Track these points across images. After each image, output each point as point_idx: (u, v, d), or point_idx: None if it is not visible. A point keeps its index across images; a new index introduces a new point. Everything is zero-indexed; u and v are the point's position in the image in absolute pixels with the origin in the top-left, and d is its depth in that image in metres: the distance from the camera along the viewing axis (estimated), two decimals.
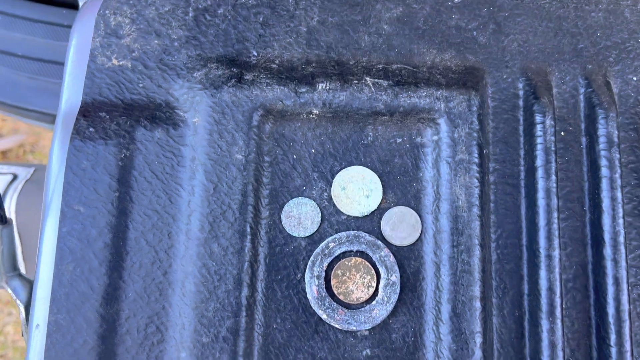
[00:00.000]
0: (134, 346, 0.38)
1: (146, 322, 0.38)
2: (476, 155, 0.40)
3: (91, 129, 0.40)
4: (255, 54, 0.42)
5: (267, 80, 0.41)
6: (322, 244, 0.39)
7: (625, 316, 0.38)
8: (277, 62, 0.42)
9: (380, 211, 0.40)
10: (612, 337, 0.38)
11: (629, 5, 0.43)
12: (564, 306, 0.39)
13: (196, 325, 0.38)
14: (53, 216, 0.39)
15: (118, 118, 0.41)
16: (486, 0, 0.43)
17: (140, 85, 0.42)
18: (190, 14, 0.43)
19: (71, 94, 0.42)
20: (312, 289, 0.39)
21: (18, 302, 0.41)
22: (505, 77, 0.42)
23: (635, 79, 0.42)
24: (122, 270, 0.38)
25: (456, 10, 0.43)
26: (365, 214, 0.40)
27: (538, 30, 0.43)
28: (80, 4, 0.48)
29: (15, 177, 0.66)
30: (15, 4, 0.60)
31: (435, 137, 0.41)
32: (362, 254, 0.39)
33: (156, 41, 0.42)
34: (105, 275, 0.38)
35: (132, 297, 0.38)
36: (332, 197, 0.40)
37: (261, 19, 0.42)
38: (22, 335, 0.45)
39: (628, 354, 0.38)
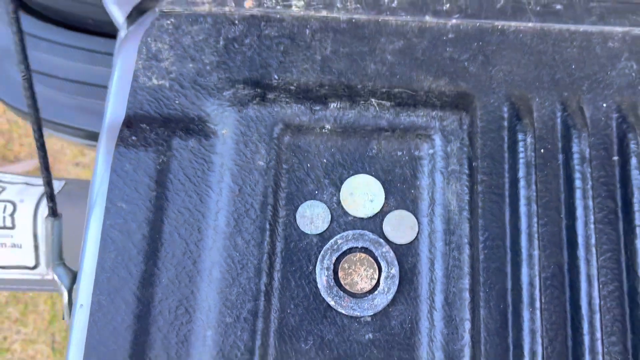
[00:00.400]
0: (166, 325, 0.43)
1: (177, 304, 0.43)
2: (466, 166, 0.46)
3: (133, 138, 0.46)
4: (277, 77, 0.48)
5: (287, 99, 0.47)
6: (331, 241, 0.45)
7: (597, 309, 0.44)
8: (295, 84, 0.48)
9: (382, 214, 0.46)
10: (585, 327, 0.43)
11: (599, 43, 0.50)
12: (542, 300, 0.44)
13: (221, 308, 0.43)
14: (98, 212, 0.45)
15: (157, 129, 0.47)
16: (476, 36, 0.50)
17: (177, 102, 0.48)
18: (221, 43, 0.50)
19: (116, 108, 0.48)
20: (322, 279, 0.44)
21: (62, 287, 0.46)
22: (492, 101, 0.48)
23: (605, 105, 0.49)
24: (157, 259, 0.44)
25: (450, 44, 0.50)
26: (370, 215, 0.46)
27: (521, 62, 0.50)
28: (122, 33, 0.55)
29: None
30: (59, 33, 0.67)
31: (430, 151, 0.47)
32: (366, 250, 0.45)
33: (191, 65, 0.49)
34: (142, 263, 0.44)
35: (165, 283, 0.44)
36: (341, 200, 0.46)
37: (282, 48, 0.49)
38: (63, 318, 0.50)
39: (599, 342, 0.43)
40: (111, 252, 0.44)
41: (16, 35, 0.38)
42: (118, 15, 0.55)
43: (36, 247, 0.71)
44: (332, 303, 0.44)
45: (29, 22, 0.69)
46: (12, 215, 0.70)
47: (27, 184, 0.73)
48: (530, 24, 0.50)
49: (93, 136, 0.68)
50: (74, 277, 0.48)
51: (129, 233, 0.44)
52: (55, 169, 1.63)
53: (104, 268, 0.44)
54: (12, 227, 0.70)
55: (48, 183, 0.43)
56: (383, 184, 0.47)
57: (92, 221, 0.45)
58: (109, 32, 0.69)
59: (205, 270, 0.44)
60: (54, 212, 0.46)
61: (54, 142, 1.62)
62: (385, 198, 0.46)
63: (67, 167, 1.62)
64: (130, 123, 0.47)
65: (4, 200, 0.70)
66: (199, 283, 0.44)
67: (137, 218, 0.45)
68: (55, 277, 0.46)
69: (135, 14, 0.54)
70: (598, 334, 0.43)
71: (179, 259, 0.44)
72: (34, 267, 0.72)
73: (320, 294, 0.44)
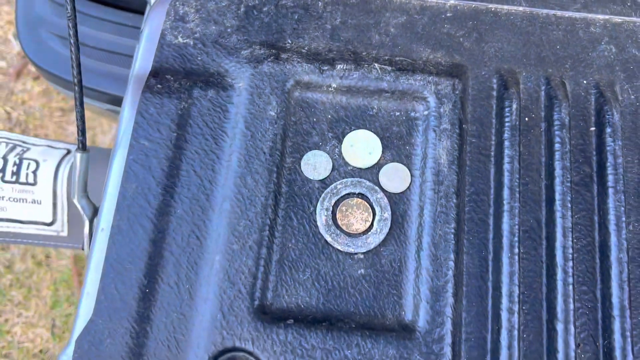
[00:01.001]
0: (178, 250, 0.47)
1: (189, 232, 0.48)
2: (457, 126, 0.51)
3: (159, 86, 0.52)
4: (290, 41, 0.54)
5: (298, 60, 0.53)
6: (332, 186, 0.50)
7: (570, 258, 0.48)
8: (306, 48, 0.54)
9: (379, 165, 0.51)
10: (559, 274, 0.48)
11: (582, 28, 0.56)
12: (521, 249, 0.49)
13: (229, 236, 0.47)
14: (123, 147, 0.50)
15: (180, 80, 0.52)
16: (472, 15, 0.55)
17: (199, 58, 0.53)
18: (242, 9, 0.55)
19: (144, 60, 0.54)
20: (321, 218, 0.49)
21: (85, 216, 0.51)
22: (483, 73, 0.54)
23: (585, 82, 0.54)
24: (173, 192, 0.49)
25: (448, 21, 0.55)
26: (368, 166, 0.51)
27: (511, 41, 0.55)
28: (152, 0, 0.61)
29: (68, 151, 0.78)
30: (91, 6, 0.73)
31: (425, 112, 0.52)
32: (362, 196, 0.50)
33: (214, 27, 0.54)
34: (160, 195, 0.48)
35: (180, 214, 0.48)
36: (342, 151, 0.51)
37: (296, 16, 0.55)
38: (82, 249, 0.54)
39: (571, 287, 0.47)
40: (132, 183, 0.49)
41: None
42: None
43: (54, 205, 0.75)
44: (329, 239, 0.48)
45: None
46: (34, 172, 0.75)
47: (50, 146, 0.78)
48: (520, 8, 0.56)
49: (115, 101, 0.73)
50: (95, 210, 0.53)
51: (149, 167, 0.49)
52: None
53: (125, 197, 0.48)
54: (34, 184, 0.75)
55: (81, 117, 0.48)
56: (381, 139, 0.51)
57: (117, 156, 0.50)
58: (136, 8, 0.75)
59: (217, 204, 0.49)
60: (83, 146, 0.50)
61: (71, 134, 1.68)
62: (382, 152, 0.51)
63: None
64: (157, 74, 0.53)
65: (27, 159, 0.75)
66: (211, 215, 0.48)
67: (157, 155, 0.49)
68: (79, 207, 0.51)
69: None
70: (570, 279, 0.47)
71: (194, 193, 0.49)
72: (51, 224, 0.76)
73: (319, 232, 0.49)
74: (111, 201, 0.49)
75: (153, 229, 0.48)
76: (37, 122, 1.76)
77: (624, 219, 0.49)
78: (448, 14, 0.55)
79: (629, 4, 0.57)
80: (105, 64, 0.71)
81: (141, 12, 0.75)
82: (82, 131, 0.50)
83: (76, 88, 0.47)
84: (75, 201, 0.51)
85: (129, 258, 0.47)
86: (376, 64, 0.53)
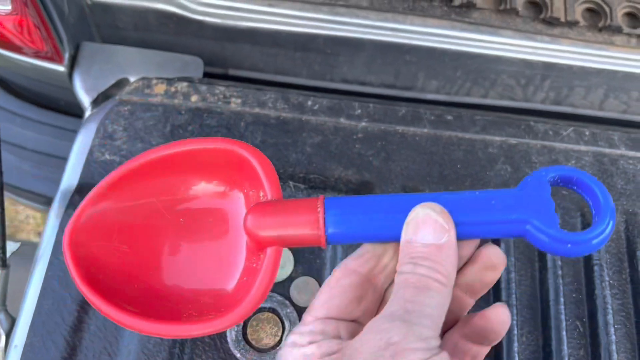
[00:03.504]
0: None
1: (101, 349, 0.49)
2: None
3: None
4: None
5: None
6: None
7: None
8: None
9: (290, 279, 0.54)
10: None
11: (481, 148, 0.61)
12: None
13: (139, 354, 0.49)
14: (42, 263, 0.52)
15: None
16: (380, 136, 0.61)
17: None
18: (168, 128, 0.59)
19: (70, 177, 0.56)
20: (231, 334, 0.51)
21: (1, 330, 0.52)
22: (389, 190, 0.58)
23: None
24: (88, 308, 0.50)
25: (359, 142, 0.60)
26: (279, 280, 0.54)
27: (416, 160, 0.60)
28: (87, 114, 0.65)
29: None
30: (30, 110, 0.77)
31: None
32: (273, 310, 0.52)
33: (140, 144, 0.58)
34: (75, 311, 0.50)
35: (94, 330, 0.50)
36: None
37: (219, 135, 0.59)
38: None
39: None
40: (49, 299, 0.50)
41: None
42: (85, 99, 0.65)
43: None
44: (238, 355, 0.50)
45: (8, 100, 0.78)
46: None
47: None
48: (425, 130, 0.61)
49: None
50: (13, 323, 0.54)
51: (66, 284, 0.51)
52: (18, 237, 1.67)
53: (40, 313, 0.50)
54: None
55: (1, 235, 0.50)
56: (293, 253, 0.55)
57: (36, 272, 0.52)
58: (76, 112, 0.78)
59: None
60: (3, 263, 0.52)
61: (19, 212, 1.67)
62: (294, 266, 0.54)
63: (29, 236, 1.66)
64: (81, 190, 0.55)
65: None
66: (123, 332, 0.50)
67: None
68: None
69: (100, 99, 0.64)
70: None
71: None
72: None
73: (229, 348, 0.51)
74: (27, 317, 0.50)
75: (65, 346, 0.49)
76: None
77: (515, 331, 0.53)
78: (360, 135, 0.60)
79: (522, 127, 0.63)
80: (43, 167, 0.74)
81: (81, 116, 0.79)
82: (2, 249, 0.51)
83: None
84: None
85: None
86: (291, 182, 0.57)
